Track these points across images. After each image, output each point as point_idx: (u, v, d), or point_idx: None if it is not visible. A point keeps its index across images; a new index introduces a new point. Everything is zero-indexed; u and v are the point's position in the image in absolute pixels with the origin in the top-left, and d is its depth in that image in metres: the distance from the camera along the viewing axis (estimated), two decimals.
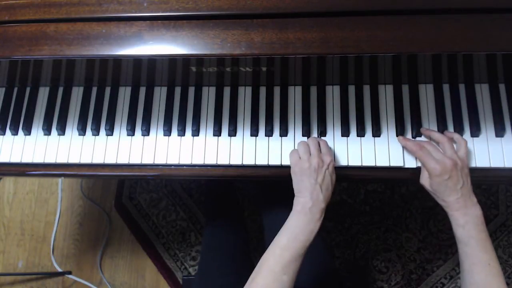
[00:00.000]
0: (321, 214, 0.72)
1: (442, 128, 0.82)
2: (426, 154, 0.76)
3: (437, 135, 0.78)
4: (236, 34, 0.71)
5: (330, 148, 0.82)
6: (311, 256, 0.95)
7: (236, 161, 0.84)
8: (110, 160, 0.86)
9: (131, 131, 0.88)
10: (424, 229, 1.50)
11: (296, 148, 0.80)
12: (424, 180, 0.77)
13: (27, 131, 0.90)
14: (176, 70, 0.83)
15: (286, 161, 0.83)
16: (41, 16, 0.74)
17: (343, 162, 0.82)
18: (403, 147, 0.81)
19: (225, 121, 0.86)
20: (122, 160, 0.86)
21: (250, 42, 0.70)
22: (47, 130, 0.89)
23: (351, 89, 0.87)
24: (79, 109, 0.90)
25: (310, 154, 0.76)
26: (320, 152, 0.77)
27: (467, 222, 0.70)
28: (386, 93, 0.86)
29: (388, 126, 0.84)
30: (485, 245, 0.69)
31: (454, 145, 0.77)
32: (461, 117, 0.83)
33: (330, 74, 0.83)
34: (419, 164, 0.80)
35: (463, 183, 0.72)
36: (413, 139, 0.82)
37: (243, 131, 0.86)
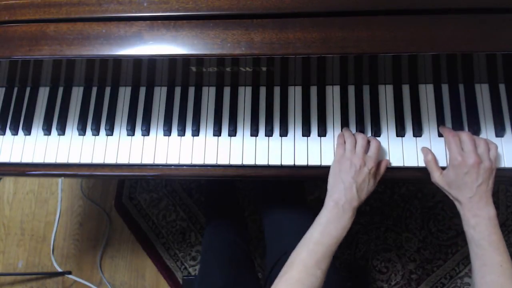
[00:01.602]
0: (353, 213, 0.71)
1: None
2: (455, 141, 0.74)
3: (467, 135, 0.76)
4: (236, 34, 0.71)
5: (383, 149, 0.81)
6: (297, 223, 0.95)
7: (236, 161, 0.84)
8: (110, 160, 0.86)
9: (131, 131, 0.88)
10: (424, 229, 1.50)
11: (345, 137, 0.79)
12: (437, 177, 0.76)
13: (27, 131, 0.90)
14: (176, 70, 0.83)
15: (286, 161, 0.83)
16: (41, 16, 0.74)
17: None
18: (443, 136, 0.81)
19: (225, 121, 0.86)
20: (122, 160, 0.86)
21: (250, 42, 0.70)
22: (47, 130, 0.89)
23: (351, 89, 0.87)
24: (79, 109, 0.90)
25: (355, 152, 0.75)
26: (366, 153, 0.76)
27: (478, 223, 0.69)
28: (386, 93, 0.86)
29: (388, 126, 0.84)
30: (498, 246, 0.68)
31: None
32: (461, 117, 0.83)
33: (330, 74, 0.83)
34: (419, 164, 0.80)
35: (481, 183, 0.70)
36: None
37: (243, 131, 0.86)
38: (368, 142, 0.78)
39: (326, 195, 0.75)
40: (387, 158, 0.82)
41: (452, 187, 0.73)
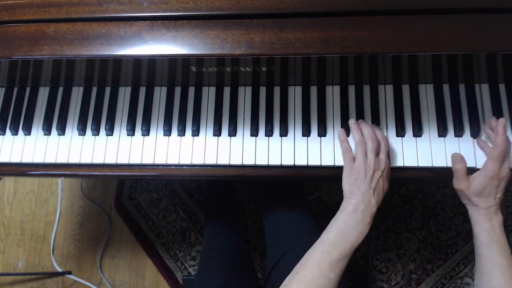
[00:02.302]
0: (371, 219, 0.71)
1: (442, 128, 0.82)
2: (501, 156, 0.73)
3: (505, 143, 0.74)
4: (236, 34, 0.71)
5: (392, 148, 0.81)
6: (297, 223, 0.95)
7: (236, 161, 0.84)
8: (110, 160, 0.86)
9: (131, 131, 0.88)
10: (424, 229, 1.50)
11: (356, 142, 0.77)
12: (463, 185, 0.75)
13: (27, 131, 0.90)
14: (176, 70, 0.83)
15: (286, 161, 0.83)
16: (41, 16, 0.74)
17: (343, 162, 0.82)
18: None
19: (225, 121, 0.86)
20: (122, 160, 0.86)
21: (250, 42, 0.70)
22: (47, 130, 0.89)
23: (351, 89, 0.87)
24: (79, 109, 0.90)
25: (368, 157, 0.74)
26: (378, 155, 0.75)
27: (492, 227, 0.71)
28: (386, 93, 0.86)
29: (388, 126, 0.84)
30: (507, 250, 0.70)
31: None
32: (461, 117, 0.83)
33: (330, 74, 0.83)
34: (420, 164, 0.80)
35: (501, 195, 0.73)
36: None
37: (243, 131, 0.86)
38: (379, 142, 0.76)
39: (342, 198, 0.73)
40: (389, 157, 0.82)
41: (476, 196, 0.73)
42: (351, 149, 0.77)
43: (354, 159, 0.75)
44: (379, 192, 0.72)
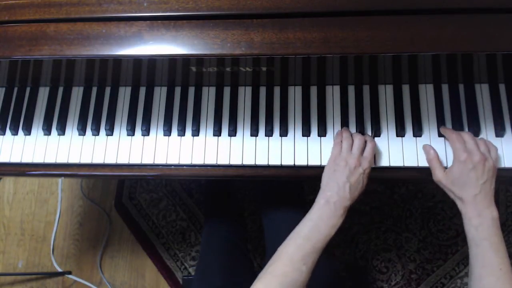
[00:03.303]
0: (344, 211, 0.71)
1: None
2: (459, 139, 0.74)
3: (468, 135, 0.76)
4: (236, 34, 0.71)
5: (379, 150, 0.82)
6: (295, 224, 0.95)
7: (236, 161, 0.84)
8: (110, 160, 0.86)
9: (131, 131, 0.88)
10: (424, 229, 1.50)
11: (343, 137, 0.79)
12: (440, 175, 0.75)
13: (27, 131, 0.90)
14: (176, 70, 0.83)
15: (286, 161, 0.83)
16: (41, 16, 0.74)
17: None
18: (444, 136, 0.81)
19: (225, 121, 0.86)
20: (122, 160, 0.86)
21: (250, 42, 0.70)
22: (47, 130, 0.89)
23: (351, 89, 0.87)
24: (79, 109, 0.90)
25: (352, 152, 0.76)
26: (362, 154, 0.76)
27: (481, 223, 0.68)
28: (386, 93, 0.86)
29: (388, 126, 0.84)
30: (499, 248, 0.67)
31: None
32: (461, 117, 0.83)
33: (330, 74, 0.83)
34: (420, 164, 0.80)
35: (486, 180, 0.70)
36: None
37: (243, 131, 0.86)
38: (365, 142, 0.78)
39: (319, 192, 0.75)
40: (386, 158, 0.82)
41: (456, 184, 0.72)
42: (340, 143, 0.78)
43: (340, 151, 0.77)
44: (356, 188, 0.73)
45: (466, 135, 0.75)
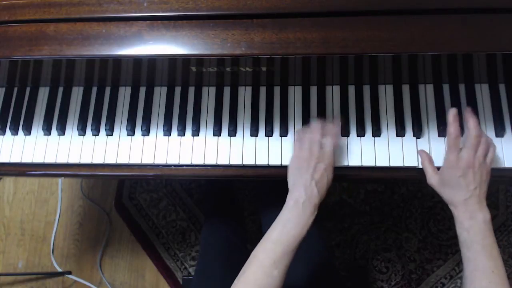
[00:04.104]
0: (314, 209, 0.71)
1: (442, 128, 0.82)
2: (455, 143, 0.72)
3: (477, 130, 0.72)
4: (236, 34, 0.71)
5: (340, 145, 0.81)
6: (308, 252, 0.95)
7: (236, 161, 0.84)
8: (110, 160, 0.86)
9: (131, 131, 0.88)
10: (424, 229, 1.50)
11: (301, 136, 0.78)
12: (431, 179, 0.75)
13: (27, 131, 0.90)
14: (176, 70, 0.83)
15: (286, 161, 0.83)
16: (41, 16, 0.74)
17: (343, 162, 0.82)
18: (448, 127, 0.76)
19: (225, 121, 0.86)
20: (122, 160, 0.86)
21: (250, 42, 0.70)
22: (47, 130, 0.89)
23: (351, 89, 0.87)
24: (79, 109, 0.90)
25: (312, 149, 0.75)
26: (324, 149, 0.76)
27: (472, 226, 0.68)
28: (386, 93, 0.86)
29: (388, 126, 0.84)
30: (491, 251, 0.66)
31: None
32: (461, 117, 0.82)
33: (330, 74, 0.83)
34: (419, 164, 0.80)
35: (476, 186, 0.69)
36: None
37: (243, 131, 0.86)
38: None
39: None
40: (386, 158, 0.81)
41: (446, 188, 0.72)
42: (301, 140, 0.77)
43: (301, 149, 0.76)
44: (322, 184, 0.72)
45: (472, 131, 0.71)
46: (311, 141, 0.76)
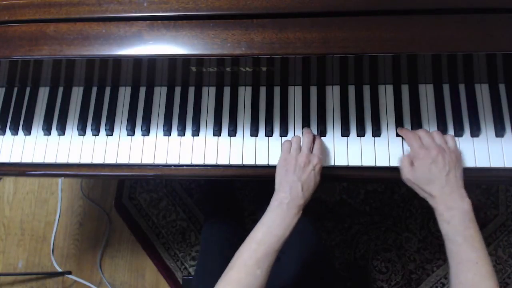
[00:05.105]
0: (299, 210, 0.71)
1: (442, 128, 0.82)
2: (414, 137, 0.76)
3: (422, 131, 0.78)
4: (236, 34, 0.71)
5: (326, 148, 0.82)
6: (303, 245, 0.95)
7: (236, 161, 0.84)
8: (110, 160, 0.86)
9: (131, 131, 0.88)
10: (424, 229, 1.50)
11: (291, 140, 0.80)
12: (406, 173, 0.75)
13: (27, 131, 0.90)
14: (176, 70, 0.83)
15: None
16: (41, 16, 0.74)
17: (343, 162, 0.82)
18: (402, 137, 0.82)
19: (225, 121, 0.86)
20: (122, 160, 0.86)
21: (250, 42, 0.70)
22: (47, 130, 0.89)
23: (351, 89, 0.87)
24: (79, 109, 0.90)
25: (301, 150, 0.76)
26: (312, 151, 0.77)
27: (452, 217, 0.67)
28: (386, 93, 0.86)
29: (388, 126, 0.84)
30: (473, 242, 0.65)
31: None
32: (461, 117, 0.83)
33: (330, 74, 0.83)
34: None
35: (449, 171, 0.70)
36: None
37: (243, 131, 0.86)
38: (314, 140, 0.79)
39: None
40: (386, 158, 0.81)
41: (422, 182, 0.72)
42: (290, 142, 0.79)
43: (290, 150, 0.77)
44: (309, 186, 0.73)
45: (421, 132, 0.77)
46: (299, 143, 0.77)
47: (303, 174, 0.73)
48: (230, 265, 0.69)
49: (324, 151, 0.82)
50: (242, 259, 0.68)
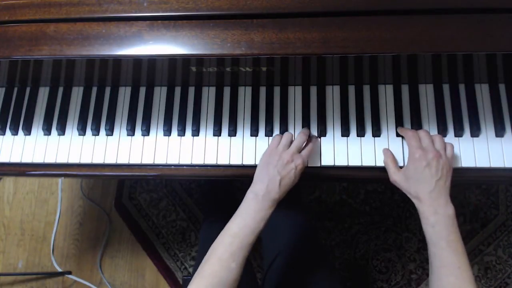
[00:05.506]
0: (273, 204, 0.72)
1: (442, 128, 0.82)
2: (414, 136, 0.76)
3: (423, 132, 0.78)
4: (236, 34, 0.71)
5: (317, 152, 0.83)
6: (292, 227, 0.96)
7: (236, 161, 0.84)
8: (110, 160, 0.86)
9: (131, 131, 0.88)
10: None
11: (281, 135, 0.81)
12: (394, 176, 0.76)
13: (27, 131, 0.90)
14: (176, 70, 0.83)
15: None
16: (41, 16, 0.74)
17: (343, 162, 0.82)
18: (402, 137, 0.82)
19: (225, 121, 0.86)
20: (122, 160, 0.86)
21: (250, 42, 0.70)
22: (47, 130, 0.89)
23: (351, 89, 0.87)
24: (79, 109, 0.90)
25: (288, 148, 0.77)
26: (299, 152, 0.77)
27: (437, 221, 0.68)
28: (386, 93, 0.86)
29: (388, 126, 0.84)
30: (456, 247, 0.66)
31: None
32: (461, 117, 0.83)
33: (330, 74, 0.83)
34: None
35: (440, 177, 0.70)
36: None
37: (243, 131, 0.86)
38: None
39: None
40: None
41: (411, 182, 0.73)
42: (280, 137, 0.79)
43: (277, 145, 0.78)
44: (286, 183, 0.73)
45: (422, 133, 0.77)
46: (288, 140, 0.78)
47: (283, 170, 0.73)
48: (205, 258, 0.69)
49: (313, 156, 0.82)
50: (216, 253, 0.68)
